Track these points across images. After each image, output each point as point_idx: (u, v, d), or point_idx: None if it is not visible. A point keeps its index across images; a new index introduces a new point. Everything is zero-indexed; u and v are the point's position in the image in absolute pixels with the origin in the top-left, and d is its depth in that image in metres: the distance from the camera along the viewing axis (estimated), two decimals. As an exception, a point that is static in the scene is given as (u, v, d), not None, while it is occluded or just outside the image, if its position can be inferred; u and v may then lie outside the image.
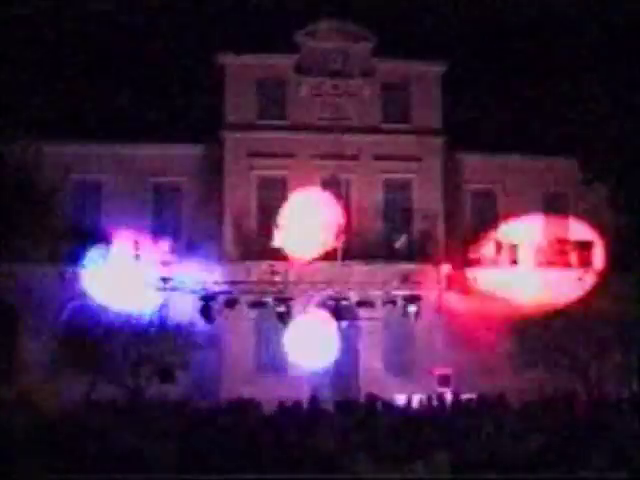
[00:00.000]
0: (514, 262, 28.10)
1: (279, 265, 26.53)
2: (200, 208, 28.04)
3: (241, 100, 28.26)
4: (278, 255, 26.93)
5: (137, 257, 26.45)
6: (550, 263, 28.09)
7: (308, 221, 27.48)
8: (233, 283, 26.09)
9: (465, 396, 21.73)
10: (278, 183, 27.79)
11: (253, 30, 27.86)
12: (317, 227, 27.58)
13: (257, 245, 27.21)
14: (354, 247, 27.45)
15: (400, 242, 27.84)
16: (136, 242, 26.66)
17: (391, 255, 27.48)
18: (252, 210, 27.94)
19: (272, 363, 26.62)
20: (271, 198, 27.77)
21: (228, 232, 27.55)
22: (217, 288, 24.72)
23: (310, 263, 26.80)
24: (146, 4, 28.09)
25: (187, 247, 27.12)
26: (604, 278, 27.20)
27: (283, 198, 27.95)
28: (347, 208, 27.95)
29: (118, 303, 25.25)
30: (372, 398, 22.45)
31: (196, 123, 27.59)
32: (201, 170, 28.45)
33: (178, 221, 28.48)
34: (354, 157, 27.65)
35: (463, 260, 28.05)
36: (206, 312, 24.35)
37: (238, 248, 27.30)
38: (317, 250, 27.13)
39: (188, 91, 27.92)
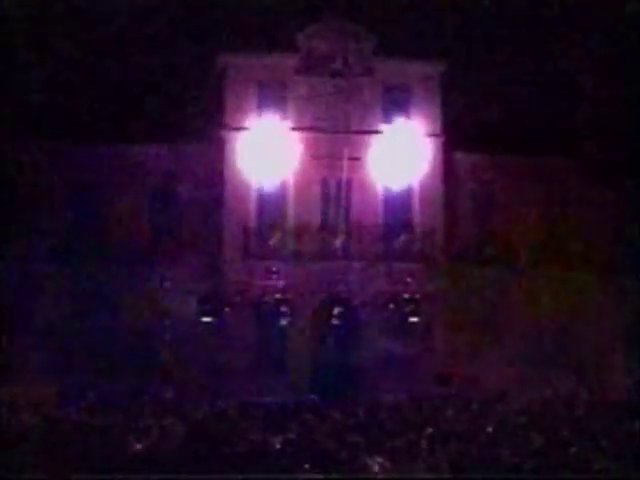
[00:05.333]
0: (514, 262, 28.10)
1: (279, 265, 26.60)
2: (200, 208, 28.01)
3: (241, 100, 28.23)
4: (278, 255, 27.04)
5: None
6: (550, 263, 28.07)
7: (308, 221, 27.59)
8: (233, 283, 26.12)
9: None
10: (278, 183, 27.77)
11: (253, 30, 27.85)
12: (317, 227, 27.69)
13: (257, 245, 27.23)
14: (354, 247, 27.48)
15: (400, 242, 27.86)
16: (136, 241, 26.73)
17: (391, 255, 27.48)
18: (252, 210, 27.93)
19: (272, 363, 26.60)
20: (271, 198, 27.80)
21: (228, 232, 27.53)
22: (217, 288, 24.79)
23: (310, 263, 26.88)
24: (146, 4, 28.07)
25: (187, 247, 27.09)
26: (604, 278, 27.20)
27: (283, 198, 28.06)
28: (347, 208, 28.01)
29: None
30: (372, 398, 22.49)
31: (196, 123, 27.58)
32: (201, 170, 28.42)
33: (178, 221, 28.44)
34: (354, 157, 27.62)
35: (463, 260, 28.03)
36: (206, 312, 24.41)
37: (238, 248, 27.28)
38: (317, 250, 27.23)
39: (188, 91, 27.90)
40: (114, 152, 27.97)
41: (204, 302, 25.00)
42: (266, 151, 27.13)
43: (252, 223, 27.71)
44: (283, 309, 25.52)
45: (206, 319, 25.37)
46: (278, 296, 25.71)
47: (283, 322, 25.84)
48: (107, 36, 28.13)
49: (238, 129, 27.94)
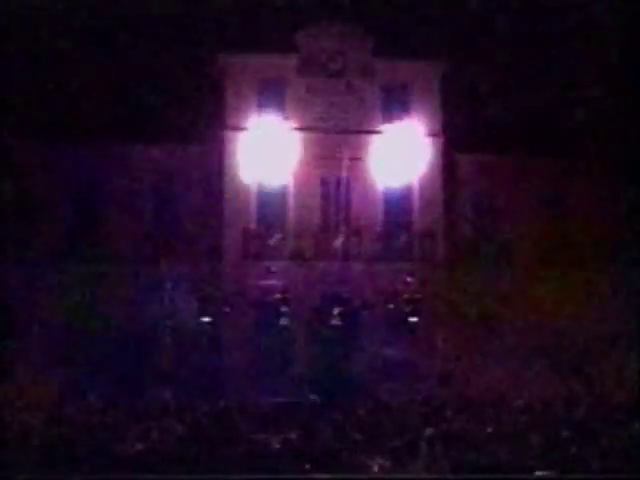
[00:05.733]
0: (514, 262, 28.09)
1: (279, 265, 26.61)
2: (200, 208, 28.01)
3: (241, 100, 28.24)
4: (278, 255, 27.04)
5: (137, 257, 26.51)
6: (550, 263, 28.06)
7: (308, 221, 27.60)
8: (233, 283, 26.12)
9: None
10: (278, 183, 27.78)
11: (253, 30, 27.85)
12: (317, 227, 27.70)
13: (257, 245, 27.22)
14: (354, 247, 27.48)
15: (400, 242, 27.86)
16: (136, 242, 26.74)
17: (391, 255, 27.47)
18: (252, 210, 27.93)
19: (272, 363, 26.60)
20: (271, 198, 27.80)
21: (228, 232, 27.53)
22: (217, 288, 24.79)
23: (310, 263, 26.88)
24: (146, 4, 28.07)
25: (187, 247, 27.09)
26: (604, 278, 27.18)
27: (283, 198, 28.06)
28: (347, 208, 28.02)
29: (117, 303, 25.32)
30: (372, 398, 22.49)
31: (196, 123, 27.59)
32: (201, 170, 28.42)
33: (178, 221, 28.44)
34: (354, 157, 27.62)
35: (463, 260, 28.02)
36: (206, 312, 24.41)
37: (238, 248, 27.28)
38: (317, 250, 27.23)
39: (188, 91, 27.91)
40: (114, 152, 27.97)
41: (204, 302, 25.00)
42: (266, 151, 27.14)
43: (252, 223, 27.71)
44: (283, 309, 25.54)
45: (206, 319, 25.39)
46: (278, 296, 25.73)
47: (283, 322, 25.84)
48: (107, 36, 28.15)
49: (238, 129, 27.94)
